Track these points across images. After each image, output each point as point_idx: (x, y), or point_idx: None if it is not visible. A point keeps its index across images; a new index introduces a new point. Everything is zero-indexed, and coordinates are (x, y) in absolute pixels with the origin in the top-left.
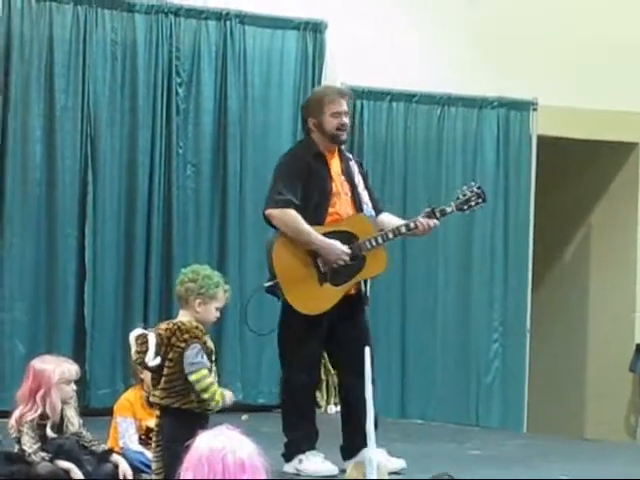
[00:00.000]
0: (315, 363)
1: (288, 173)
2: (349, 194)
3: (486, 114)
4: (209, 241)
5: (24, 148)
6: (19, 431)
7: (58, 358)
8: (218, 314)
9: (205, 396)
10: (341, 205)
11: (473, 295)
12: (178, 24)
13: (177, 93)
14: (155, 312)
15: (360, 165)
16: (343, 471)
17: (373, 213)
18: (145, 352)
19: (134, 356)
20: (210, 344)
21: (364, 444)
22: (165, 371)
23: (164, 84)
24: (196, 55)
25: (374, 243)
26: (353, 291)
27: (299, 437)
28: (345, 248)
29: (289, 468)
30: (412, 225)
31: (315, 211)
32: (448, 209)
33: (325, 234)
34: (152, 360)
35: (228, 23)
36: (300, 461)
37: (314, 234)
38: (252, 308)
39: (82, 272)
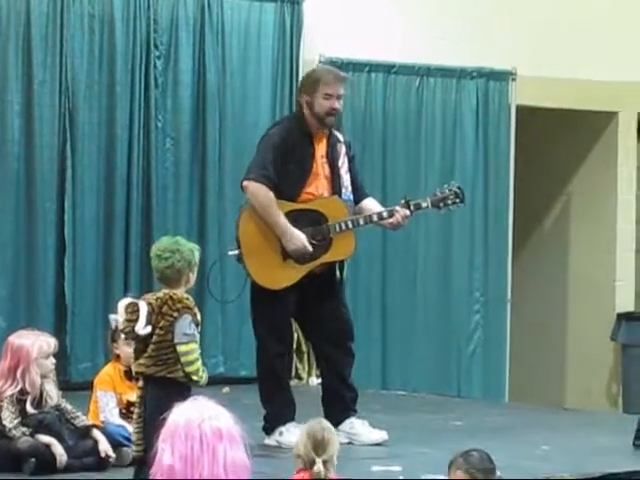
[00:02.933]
0: (285, 333)
1: (273, 148)
2: (329, 177)
3: (465, 85)
4: (189, 213)
5: (2, 122)
6: None
7: (35, 332)
8: None
9: (188, 369)
10: (317, 187)
11: (453, 265)
12: None
13: (155, 66)
14: (136, 285)
15: (349, 147)
16: None
17: (351, 197)
18: (135, 321)
19: (122, 324)
20: (198, 316)
21: (345, 415)
22: (154, 339)
23: (142, 57)
24: (174, 28)
25: (343, 227)
26: (323, 270)
27: (278, 409)
28: (308, 245)
29: (270, 441)
30: (385, 214)
31: (291, 188)
32: (423, 204)
33: (295, 211)
34: (143, 329)
35: None
36: (281, 433)
37: (281, 219)
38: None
39: (62, 246)
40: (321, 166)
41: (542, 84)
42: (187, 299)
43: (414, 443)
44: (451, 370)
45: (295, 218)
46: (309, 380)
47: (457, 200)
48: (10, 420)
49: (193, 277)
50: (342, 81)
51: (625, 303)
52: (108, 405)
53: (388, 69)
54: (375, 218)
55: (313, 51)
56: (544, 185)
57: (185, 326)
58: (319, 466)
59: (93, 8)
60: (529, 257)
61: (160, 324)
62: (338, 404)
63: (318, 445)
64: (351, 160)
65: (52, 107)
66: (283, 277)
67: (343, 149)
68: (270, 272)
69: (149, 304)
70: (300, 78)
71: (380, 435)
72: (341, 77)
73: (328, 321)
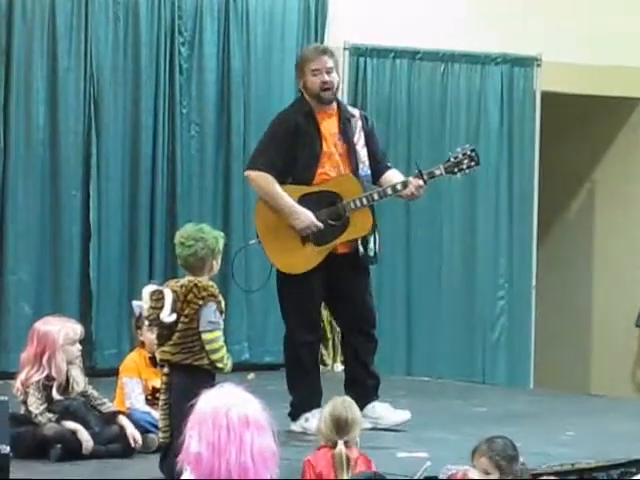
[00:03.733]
0: (314, 320)
1: (274, 136)
2: (344, 154)
3: (490, 70)
4: (213, 200)
5: (27, 110)
6: (25, 393)
7: (61, 319)
8: None
9: (213, 357)
10: (332, 165)
11: (478, 252)
12: None
13: (180, 52)
14: (161, 272)
15: (366, 120)
16: None
17: (369, 172)
18: (160, 308)
19: (147, 312)
20: (223, 303)
21: (366, 400)
22: (179, 327)
23: (167, 44)
24: (198, 14)
25: (358, 204)
26: (346, 250)
27: (304, 395)
28: (315, 219)
29: (296, 427)
30: (398, 187)
31: (304, 172)
32: (437, 172)
33: (308, 194)
34: (168, 316)
35: None
36: (307, 419)
37: (284, 200)
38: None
39: (87, 233)
40: (333, 145)
41: (567, 70)
42: (212, 286)
43: (439, 429)
44: (476, 356)
45: (309, 201)
46: (334, 366)
47: (472, 163)
48: (36, 406)
49: (217, 265)
50: (324, 53)
51: None
52: (134, 391)
53: (413, 55)
54: (389, 191)
55: (337, 38)
56: (569, 171)
57: (210, 314)
58: (340, 448)
59: None
60: (554, 244)
61: (185, 312)
62: (360, 390)
63: (341, 427)
64: (368, 134)
65: (77, 94)
66: (303, 261)
67: (359, 124)
68: (290, 257)
69: (174, 292)
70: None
71: (403, 415)
72: (321, 49)
73: (351, 306)
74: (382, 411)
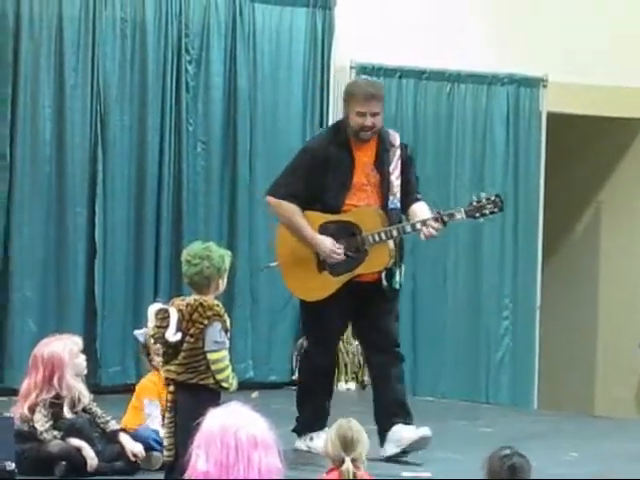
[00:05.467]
0: (330, 345)
1: (299, 166)
2: (376, 184)
3: (496, 91)
4: (219, 218)
5: (34, 126)
6: (32, 412)
7: (57, 337)
8: None
9: (219, 377)
10: (360, 197)
11: (483, 272)
12: (187, 1)
13: (187, 70)
14: (166, 290)
15: (405, 149)
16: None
17: (398, 205)
18: (166, 327)
19: (152, 331)
20: (228, 322)
21: (390, 421)
22: (185, 346)
23: (174, 62)
24: (205, 32)
25: (377, 239)
26: (370, 279)
27: (312, 415)
28: (335, 247)
29: (301, 444)
30: (417, 226)
31: (332, 200)
32: (457, 215)
33: (329, 223)
34: (173, 335)
35: (237, 0)
36: (311, 439)
37: (306, 230)
38: (265, 283)
39: (92, 250)
40: (365, 176)
41: (573, 91)
42: (217, 306)
43: (443, 449)
44: (480, 376)
45: (330, 230)
46: (338, 385)
47: (495, 209)
48: (42, 423)
49: (223, 283)
50: (373, 99)
51: None
52: (152, 414)
53: (419, 75)
54: (408, 229)
55: (344, 57)
56: (575, 192)
57: (215, 334)
58: (348, 465)
59: (125, 12)
60: (559, 264)
61: (190, 331)
62: (383, 411)
63: (347, 444)
64: (405, 163)
65: (84, 111)
66: (317, 289)
67: (397, 153)
68: (305, 283)
69: (179, 310)
70: (331, 84)
71: (423, 431)
72: (370, 94)
73: (373, 329)
74: (403, 432)
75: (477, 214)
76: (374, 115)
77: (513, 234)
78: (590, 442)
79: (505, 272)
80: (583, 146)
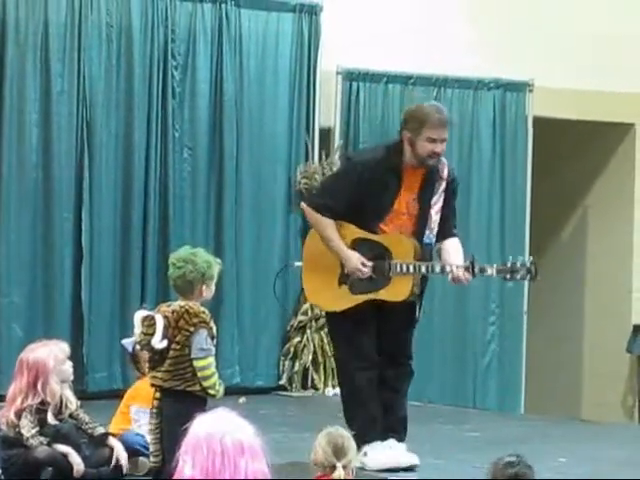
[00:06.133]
0: (364, 351)
1: (342, 180)
2: (414, 215)
3: (482, 95)
4: (206, 223)
5: (20, 132)
6: (18, 417)
7: (44, 342)
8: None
9: (205, 383)
10: (395, 224)
11: None
12: (173, 7)
13: (173, 76)
14: (152, 295)
15: (452, 182)
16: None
17: (434, 240)
18: (152, 334)
19: (138, 337)
20: (214, 329)
21: (386, 434)
22: (171, 354)
23: (160, 67)
24: (192, 38)
25: (404, 269)
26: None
27: (361, 427)
28: (362, 265)
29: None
30: (447, 269)
31: (366, 221)
32: (489, 271)
33: (362, 240)
34: (159, 342)
35: (223, 6)
36: (365, 454)
37: (336, 243)
38: (252, 288)
39: (79, 256)
40: (406, 204)
41: (559, 95)
42: (203, 312)
43: (430, 454)
44: (467, 381)
45: (362, 248)
46: (325, 390)
47: (528, 276)
48: (28, 429)
49: (208, 290)
50: (447, 125)
51: None
52: (139, 421)
53: (405, 80)
54: (437, 270)
55: (331, 62)
56: (561, 197)
57: (202, 341)
58: (340, 471)
59: (111, 18)
60: (546, 269)
61: (177, 338)
62: (388, 419)
63: (338, 450)
64: (449, 197)
65: (70, 117)
66: (332, 300)
67: (442, 185)
68: (322, 292)
69: (165, 317)
70: (317, 89)
71: (412, 459)
72: (445, 120)
73: (387, 339)
74: (397, 455)
75: (508, 276)
76: (443, 142)
77: (500, 238)
78: (577, 447)
79: (492, 277)
80: (570, 150)
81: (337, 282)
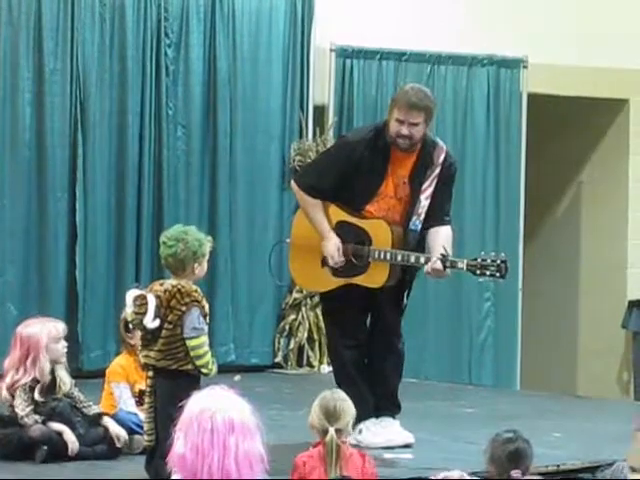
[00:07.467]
0: (350, 328)
1: (331, 160)
2: (403, 199)
3: (476, 72)
4: (200, 202)
5: (13, 111)
6: (11, 396)
7: (42, 319)
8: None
9: (198, 362)
10: (381, 207)
11: (465, 253)
12: None
13: (166, 54)
14: (147, 273)
15: (448, 168)
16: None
17: (419, 227)
18: (144, 314)
19: (130, 317)
20: (207, 307)
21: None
22: (163, 333)
23: (153, 46)
24: (185, 16)
25: (381, 256)
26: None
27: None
28: (337, 254)
29: (350, 439)
30: (422, 260)
31: (353, 202)
32: (459, 264)
33: (345, 223)
34: (151, 322)
35: None
36: (360, 431)
37: (320, 225)
38: (246, 266)
39: (73, 235)
40: (395, 186)
41: (553, 71)
42: (195, 291)
43: (426, 431)
44: (462, 358)
45: (344, 230)
46: (320, 367)
47: (497, 274)
48: (22, 408)
49: (200, 268)
50: (414, 108)
51: (636, 291)
52: (122, 396)
53: (399, 57)
54: (412, 260)
55: (324, 39)
56: (556, 173)
57: (194, 320)
58: (331, 434)
59: None
60: (541, 245)
61: (169, 318)
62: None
63: (330, 414)
64: (442, 182)
65: (63, 96)
66: (314, 280)
67: (436, 171)
68: (305, 271)
69: (157, 297)
70: (311, 66)
71: (409, 438)
72: (412, 103)
73: (372, 321)
74: (393, 433)
75: (478, 271)
76: (412, 125)
77: (494, 215)
78: (573, 422)
79: (487, 252)
80: (564, 127)
81: (320, 263)
